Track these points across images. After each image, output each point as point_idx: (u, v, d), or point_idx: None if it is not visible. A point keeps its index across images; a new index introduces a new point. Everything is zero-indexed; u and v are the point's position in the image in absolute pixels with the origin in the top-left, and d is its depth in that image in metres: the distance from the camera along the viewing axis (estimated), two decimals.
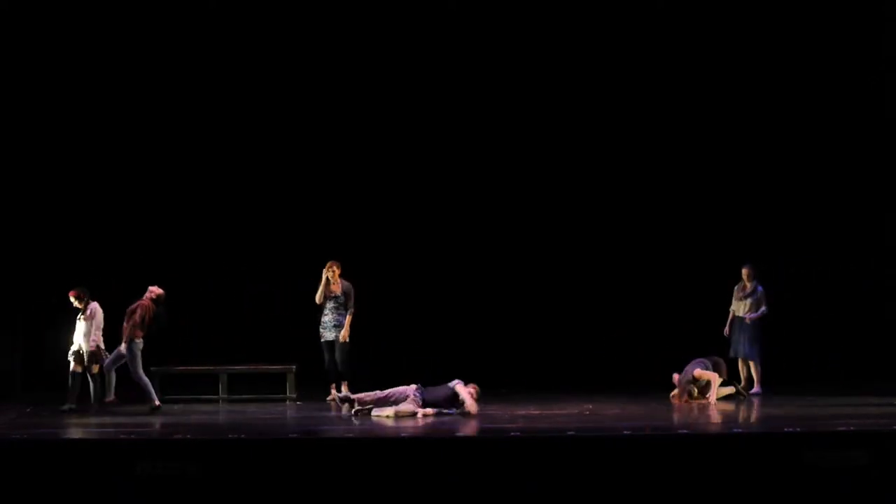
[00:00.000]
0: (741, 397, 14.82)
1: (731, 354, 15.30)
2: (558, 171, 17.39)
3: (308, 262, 15.80)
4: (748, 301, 15.30)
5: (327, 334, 14.82)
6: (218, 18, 16.74)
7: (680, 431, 11.78)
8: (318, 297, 14.77)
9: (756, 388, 15.19)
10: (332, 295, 14.79)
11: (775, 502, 10.55)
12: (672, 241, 17.10)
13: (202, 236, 16.86)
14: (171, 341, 15.52)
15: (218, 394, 15.13)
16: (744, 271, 15.40)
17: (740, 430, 11.92)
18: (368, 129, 17.23)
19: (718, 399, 14.44)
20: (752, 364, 15.31)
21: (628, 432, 11.21)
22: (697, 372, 14.51)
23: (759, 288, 15.34)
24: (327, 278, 14.75)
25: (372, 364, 15.76)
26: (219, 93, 16.96)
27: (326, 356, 14.87)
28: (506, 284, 17.25)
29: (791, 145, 17.28)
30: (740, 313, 15.31)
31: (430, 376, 13.89)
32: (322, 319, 14.83)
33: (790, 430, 11.20)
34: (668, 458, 10.69)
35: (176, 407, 14.45)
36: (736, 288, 15.45)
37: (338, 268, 14.81)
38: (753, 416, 13.37)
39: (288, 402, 14.92)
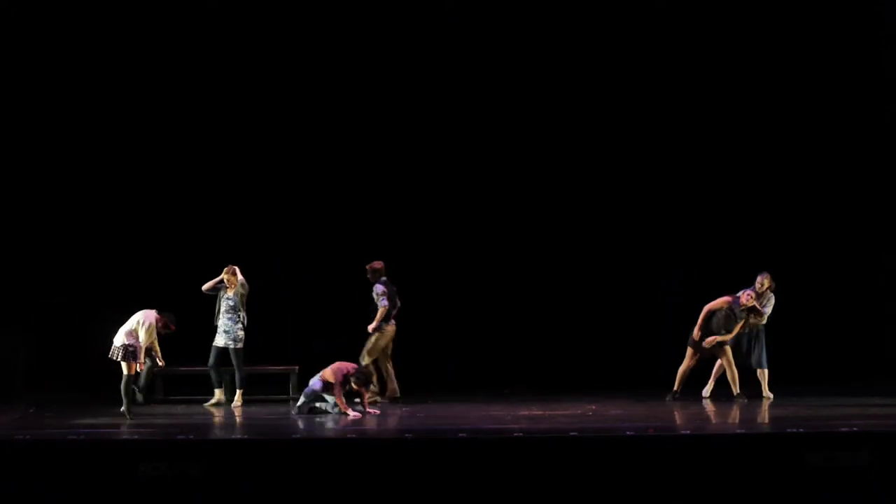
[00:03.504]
0: (742, 400, 14.68)
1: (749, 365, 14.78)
2: (563, 170, 17.34)
3: (308, 262, 15.83)
4: (767, 311, 14.65)
5: (219, 340, 14.69)
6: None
7: (682, 432, 11.80)
8: (206, 287, 14.61)
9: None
10: (225, 297, 14.67)
11: (777, 503, 10.57)
12: (675, 243, 17.09)
13: (204, 237, 16.84)
14: (173, 342, 15.51)
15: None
16: (766, 281, 14.61)
17: (743, 431, 11.92)
18: (368, 131, 17.20)
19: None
20: (763, 372, 14.78)
21: (631, 433, 11.23)
22: (745, 298, 14.32)
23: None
24: (223, 280, 14.62)
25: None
26: (219, 94, 16.97)
27: (214, 360, 14.78)
28: (508, 284, 17.23)
29: (789, 147, 17.31)
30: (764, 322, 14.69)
31: (434, 377, 13.93)
32: (217, 323, 14.72)
33: (792, 430, 11.22)
34: (670, 458, 10.71)
35: (179, 408, 14.47)
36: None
37: (235, 273, 14.66)
38: (756, 417, 13.36)
39: (290, 403, 14.92)
